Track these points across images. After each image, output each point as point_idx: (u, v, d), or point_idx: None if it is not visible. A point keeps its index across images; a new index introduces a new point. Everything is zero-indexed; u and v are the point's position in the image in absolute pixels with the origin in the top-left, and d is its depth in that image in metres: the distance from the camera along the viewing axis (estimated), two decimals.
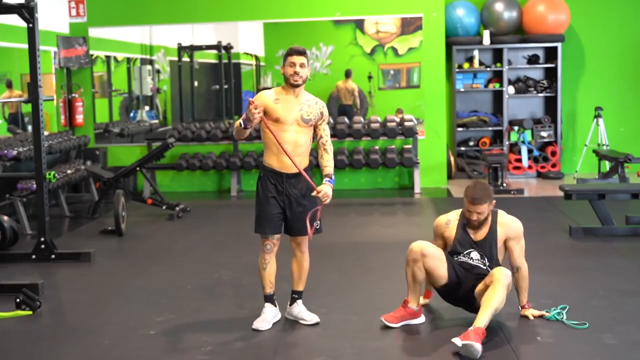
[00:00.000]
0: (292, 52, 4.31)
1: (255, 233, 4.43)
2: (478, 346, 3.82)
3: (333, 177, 4.40)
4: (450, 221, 4.49)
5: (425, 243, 4.36)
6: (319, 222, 4.38)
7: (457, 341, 3.87)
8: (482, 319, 4.00)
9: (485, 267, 4.36)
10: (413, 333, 4.32)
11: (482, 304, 4.10)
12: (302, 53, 4.30)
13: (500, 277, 4.11)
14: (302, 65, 4.28)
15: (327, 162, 4.43)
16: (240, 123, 4.21)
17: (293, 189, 4.35)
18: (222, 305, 4.91)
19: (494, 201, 4.40)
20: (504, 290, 4.09)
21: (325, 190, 4.30)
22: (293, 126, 4.29)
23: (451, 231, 4.45)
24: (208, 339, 4.25)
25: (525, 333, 4.23)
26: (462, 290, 4.37)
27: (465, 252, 4.39)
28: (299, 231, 4.40)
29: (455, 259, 4.40)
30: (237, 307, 4.84)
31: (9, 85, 9.05)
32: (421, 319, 4.46)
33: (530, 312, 4.44)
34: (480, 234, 4.40)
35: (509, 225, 4.42)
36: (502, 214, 4.46)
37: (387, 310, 4.69)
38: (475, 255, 4.38)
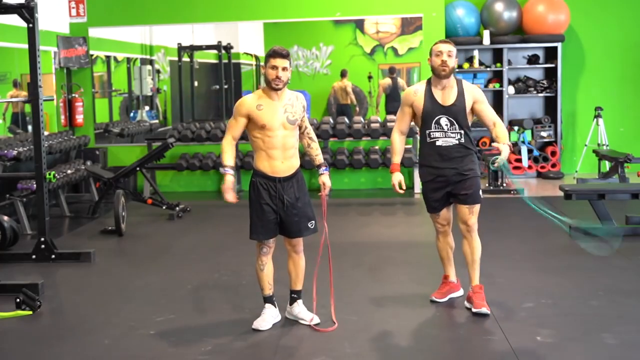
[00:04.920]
0: (274, 54, 4.19)
1: (251, 240, 4.42)
2: (486, 310, 4.50)
3: (326, 164, 4.57)
4: (417, 90, 4.58)
5: (442, 218, 4.69)
6: (313, 222, 4.40)
7: (472, 308, 4.55)
8: (476, 276, 4.62)
9: (455, 135, 4.50)
10: (412, 333, 4.32)
11: (468, 261, 4.62)
12: (285, 56, 4.20)
13: (471, 224, 4.57)
14: (284, 69, 4.20)
15: (317, 150, 4.51)
16: (224, 170, 4.26)
17: (287, 192, 4.32)
18: (222, 305, 4.91)
19: (457, 59, 4.55)
20: (477, 235, 4.61)
21: (328, 183, 4.48)
22: (279, 130, 4.25)
23: (419, 100, 4.54)
24: (208, 339, 4.25)
25: (525, 333, 4.23)
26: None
27: (435, 120, 4.50)
28: (294, 233, 4.39)
29: (428, 132, 4.54)
30: (237, 307, 4.84)
31: (16, 85, 9.04)
32: (460, 292, 4.84)
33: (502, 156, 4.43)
34: (449, 99, 4.51)
35: (474, 89, 4.58)
36: (465, 82, 4.60)
37: (386, 310, 4.71)
38: (444, 121, 4.50)
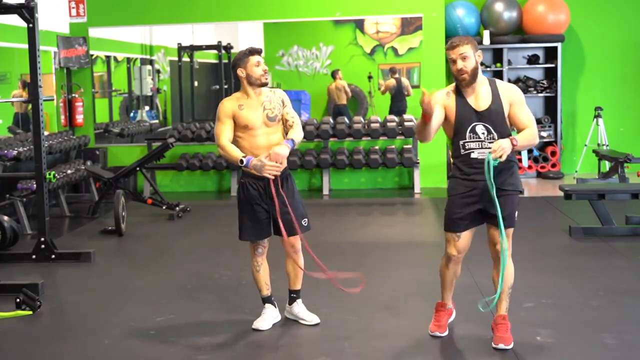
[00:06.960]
0: (254, 51, 4.29)
1: (244, 241, 4.42)
2: (504, 345, 3.99)
3: (294, 141, 4.24)
4: (449, 92, 4.03)
5: (461, 245, 4.07)
6: (306, 219, 4.40)
7: (500, 346, 4.00)
8: (505, 305, 4.06)
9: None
10: (412, 333, 4.32)
11: (499, 287, 3.97)
12: (261, 52, 4.36)
13: (505, 247, 3.93)
14: (263, 63, 4.33)
15: (295, 132, 4.29)
16: (241, 160, 4.16)
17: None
18: (222, 305, 4.91)
19: (480, 51, 3.99)
20: (511, 260, 4.01)
21: (278, 150, 4.15)
22: (261, 129, 4.28)
23: (452, 103, 4.00)
24: (208, 339, 4.26)
25: (525, 333, 4.22)
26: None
27: (470, 128, 3.96)
28: (289, 232, 4.36)
29: (462, 143, 3.98)
30: (237, 307, 4.84)
31: (25, 85, 9.03)
32: (454, 315, 4.43)
33: (501, 145, 3.76)
34: (483, 104, 3.97)
35: (510, 88, 4.03)
36: (499, 81, 4.08)
37: (386, 310, 4.70)
38: (480, 129, 3.95)
